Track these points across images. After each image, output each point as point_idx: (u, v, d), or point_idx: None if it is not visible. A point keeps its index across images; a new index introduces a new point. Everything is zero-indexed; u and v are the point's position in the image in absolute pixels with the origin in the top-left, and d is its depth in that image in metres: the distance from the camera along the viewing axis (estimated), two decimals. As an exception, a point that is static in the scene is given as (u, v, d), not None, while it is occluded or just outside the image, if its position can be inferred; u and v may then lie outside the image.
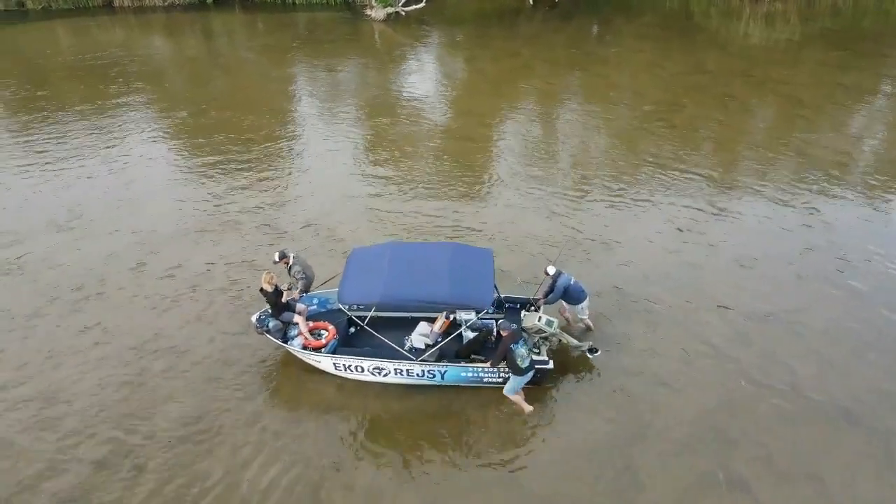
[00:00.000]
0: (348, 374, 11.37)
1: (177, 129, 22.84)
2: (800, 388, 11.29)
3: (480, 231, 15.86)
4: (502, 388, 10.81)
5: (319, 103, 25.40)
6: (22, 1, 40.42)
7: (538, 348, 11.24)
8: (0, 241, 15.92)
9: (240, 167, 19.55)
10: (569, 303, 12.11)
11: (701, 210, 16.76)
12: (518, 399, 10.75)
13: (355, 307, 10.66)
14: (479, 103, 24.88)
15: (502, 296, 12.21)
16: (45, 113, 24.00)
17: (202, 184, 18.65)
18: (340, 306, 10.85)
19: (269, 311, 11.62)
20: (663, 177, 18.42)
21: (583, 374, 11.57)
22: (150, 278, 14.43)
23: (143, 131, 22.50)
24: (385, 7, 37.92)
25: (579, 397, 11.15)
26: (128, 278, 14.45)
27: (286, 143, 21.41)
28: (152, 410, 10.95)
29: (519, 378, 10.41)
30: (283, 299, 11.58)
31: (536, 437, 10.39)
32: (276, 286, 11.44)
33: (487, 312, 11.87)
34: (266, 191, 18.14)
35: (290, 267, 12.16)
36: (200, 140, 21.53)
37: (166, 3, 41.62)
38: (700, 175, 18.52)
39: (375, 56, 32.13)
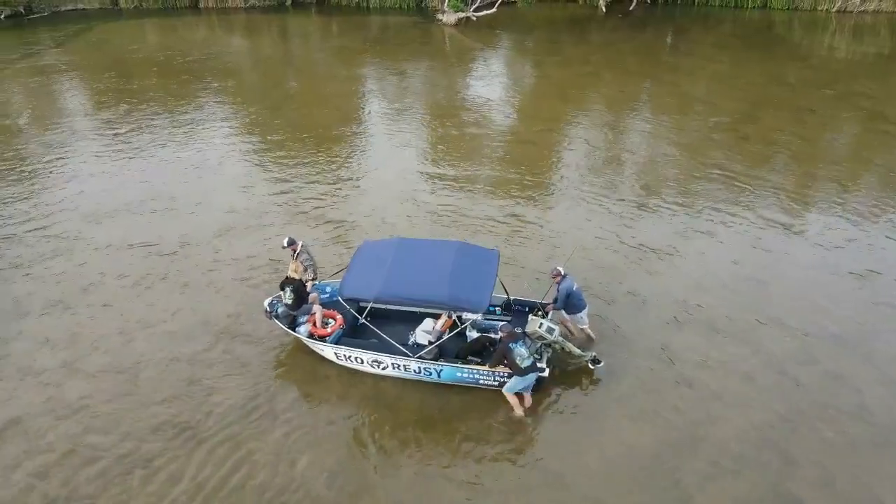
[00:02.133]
0: (349, 364, 11.49)
1: (251, 123, 23.77)
2: (866, 412, 10.72)
3: (538, 235, 15.80)
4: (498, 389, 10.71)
5: (387, 103, 25.89)
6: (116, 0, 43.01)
7: (540, 354, 10.96)
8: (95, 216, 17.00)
9: (308, 161, 20.17)
10: (569, 312, 11.72)
11: (770, 225, 16.14)
12: (514, 401, 10.48)
13: (354, 300, 10.77)
14: (545, 108, 24.81)
15: (512, 298, 12.10)
16: (133, 104, 25.42)
17: (272, 175, 19.36)
18: (339, 298, 11.03)
19: (287, 302, 11.68)
20: (732, 189, 17.85)
21: (634, 382, 11.36)
22: (221, 264, 15.06)
23: (218, 125, 23.56)
24: (456, 11, 38.33)
25: (629, 405, 10.93)
26: (196, 262, 15.15)
27: (354, 140, 21.97)
28: (215, 387, 11.45)
29: (519, 378, 10.20)
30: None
31: (583, 442, 10.27)
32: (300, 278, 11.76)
33: (494, 314, 11.88)
34: (333, 184, 18.66)
35: (298, 254, 12.38)
36: (272, 136, 22.30)
37: (247, 5, 43.39)
38: (771, 189, 17.83)
39: (444, 59, 32.56)
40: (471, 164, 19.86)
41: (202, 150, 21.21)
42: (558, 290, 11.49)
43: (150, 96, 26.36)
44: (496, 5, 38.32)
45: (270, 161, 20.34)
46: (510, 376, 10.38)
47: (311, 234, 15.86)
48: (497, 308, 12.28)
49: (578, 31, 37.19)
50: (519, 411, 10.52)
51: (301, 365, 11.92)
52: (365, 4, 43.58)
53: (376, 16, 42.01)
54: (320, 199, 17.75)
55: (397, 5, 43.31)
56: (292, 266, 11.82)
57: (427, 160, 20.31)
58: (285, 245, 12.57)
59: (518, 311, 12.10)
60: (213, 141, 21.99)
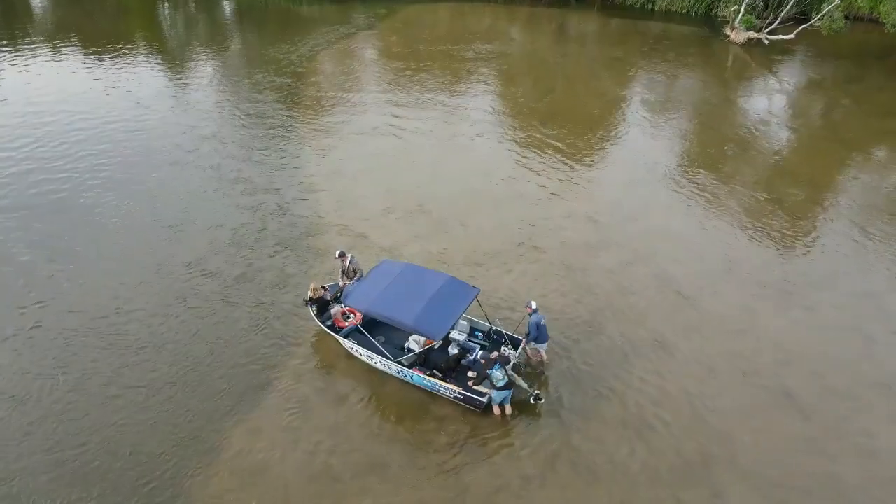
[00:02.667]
0: (356, 355, 14.27)
1: (511, 113, 25.68)
2: None
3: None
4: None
5: (649, 114, 25.81)
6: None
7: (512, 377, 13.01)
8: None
9: (559, 157, 21.68)
10: (536, 342, 13.68)
11: None
12: (496, 409, 13.01)
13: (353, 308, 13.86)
14: (818, 163, 22.60)
15: (493, 328, 14.32)
16: (412, 80, 28.69)
17: (522, 165, 21.60)
18: (344, 304, 14.11)
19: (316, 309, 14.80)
20: None
21: None
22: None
23: (480, 111, 26.18)
24: (748, 29, 35.52)
25: None
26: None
27: (607, 144, 22.70)
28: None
29: (497, 392, 12.64)
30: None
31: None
32: (320, 296, 14.77)
33: (476, 338, 14.38)
34: (582, 187, 20.51)
35: (351, 263, 15.45)
36: (524, 132, 23.76)
37: (533, -4, 44.76)
38: None
39: (722, 87, 30.64)
40: (726, 191, 19.18)
41: (458, 133, 23.53)
42: (529, 322, 13.61)
43: (428, 75, 29.32)
44: (796, 31, 34.34)
45: (518, 154, 22.09)
46: (471, 394, 12.85)
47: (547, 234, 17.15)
48: (479, 333, 14.61)
49: (893, 67, 32.23)
50: (498, 414, 13.08)
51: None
52: (650, 6, 42.36)
53: (659, 21, 40.65)
54: (567, 200, 18.80)
55: (684, 10, 41.39)
56: (312, 288, 14.75)
57: (682, 178, 21.43)
58: (337, 255, 15.64)
59: (496, 340, 14.31)
60: (471, 125, 25.21)
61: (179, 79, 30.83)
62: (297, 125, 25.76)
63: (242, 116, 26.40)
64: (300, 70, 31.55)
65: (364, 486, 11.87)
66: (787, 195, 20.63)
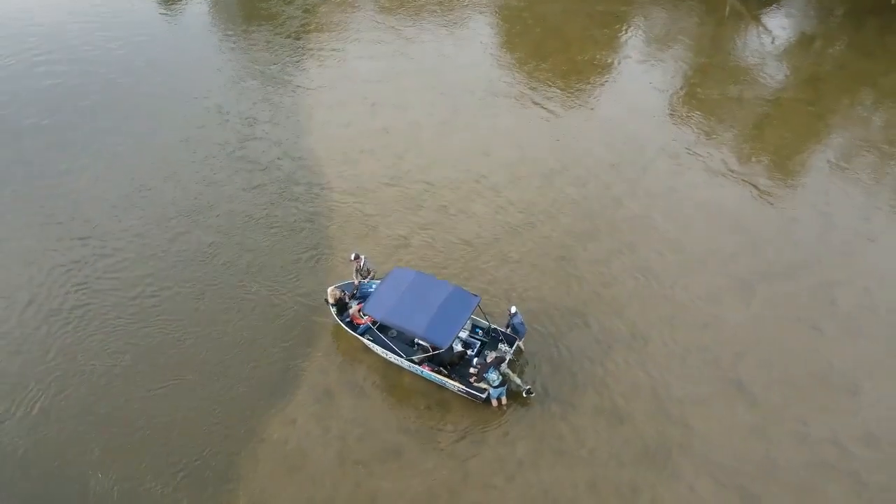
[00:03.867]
0: (372, 349, 16.50)
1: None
2: None
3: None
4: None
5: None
6: None
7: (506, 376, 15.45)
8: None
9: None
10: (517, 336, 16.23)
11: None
12: (494, 402, 15.35)
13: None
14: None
15: (492, 326, 16.60)
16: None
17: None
18: (363, 313, 16.19)
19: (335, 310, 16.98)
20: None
21: None
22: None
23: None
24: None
25: None
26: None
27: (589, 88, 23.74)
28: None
29: (493, 389, 15.05)
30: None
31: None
32: (338, 298, 16.80)
33: (477, 334, 16.74)
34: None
35: (364, 265, 17.59)
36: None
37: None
38: None
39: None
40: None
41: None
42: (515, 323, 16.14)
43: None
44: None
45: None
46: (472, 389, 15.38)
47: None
48: (480, 330, 16.90)
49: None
50: (495, 406, 15.48)
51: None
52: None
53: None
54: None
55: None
56: (331, 292, 16.84)
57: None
58: (352, 258, 17.61)
59: (493, 337, 16.55)
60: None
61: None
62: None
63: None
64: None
65: (385, 470, 14.53)
66: (761, 176, 21.95)
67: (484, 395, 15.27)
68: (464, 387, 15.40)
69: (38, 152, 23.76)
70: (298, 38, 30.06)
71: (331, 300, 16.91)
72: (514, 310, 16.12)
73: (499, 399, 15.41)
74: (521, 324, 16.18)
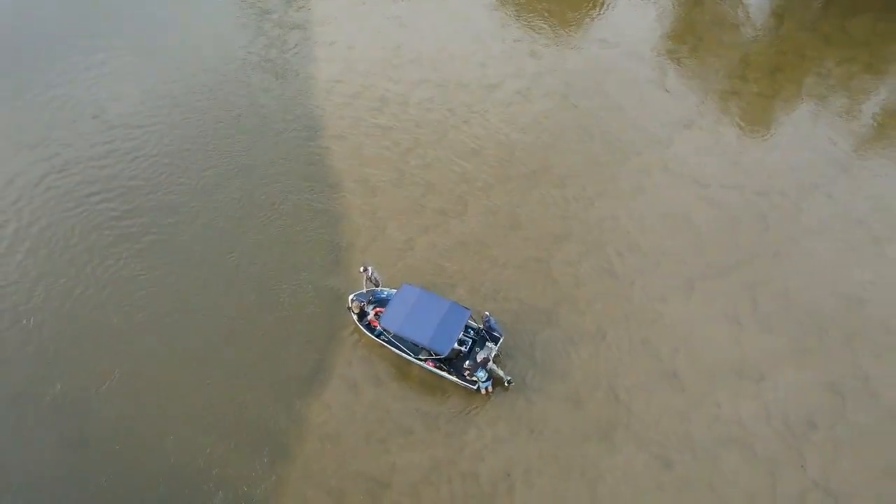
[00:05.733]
0: (389, 348, 20.70)
1: None
2: None
3: None
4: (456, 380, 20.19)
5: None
6: None
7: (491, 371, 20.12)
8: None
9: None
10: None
11: None
12: (483, 391, 19.82)
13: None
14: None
15: (480, 327, 20.80)
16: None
17: None
18: (380, 325, 20.21)
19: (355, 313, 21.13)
20: None
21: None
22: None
23: None
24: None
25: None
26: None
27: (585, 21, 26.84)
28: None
29: (482, 382, 19.59)
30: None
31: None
32: (361, 307, 20.90)
33: (469, 333, 20.69)
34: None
35: (372, 274, 21.36)
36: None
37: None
38: None
39: None
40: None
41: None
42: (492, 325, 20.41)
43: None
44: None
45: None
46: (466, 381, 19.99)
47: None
48: (472, 329, 20.91)
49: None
50: (484, 394, 20.00)
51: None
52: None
53: None
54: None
55: None
56: (351, 303, 20.92)
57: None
58: (361, 270, 21.41)
59: (483, 336, 20.73)
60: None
61: None
62: None
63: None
64: None
65: (399, 446, 19.27)
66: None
67: (475, 386, 19.73)
68: (460, 380, 19.82)
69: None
70: None
71: (355, 312, 20.97)
72: (487, 313, 20.30)
73: (486, 388, 19.90)
74: (496, 326, 20.32)
